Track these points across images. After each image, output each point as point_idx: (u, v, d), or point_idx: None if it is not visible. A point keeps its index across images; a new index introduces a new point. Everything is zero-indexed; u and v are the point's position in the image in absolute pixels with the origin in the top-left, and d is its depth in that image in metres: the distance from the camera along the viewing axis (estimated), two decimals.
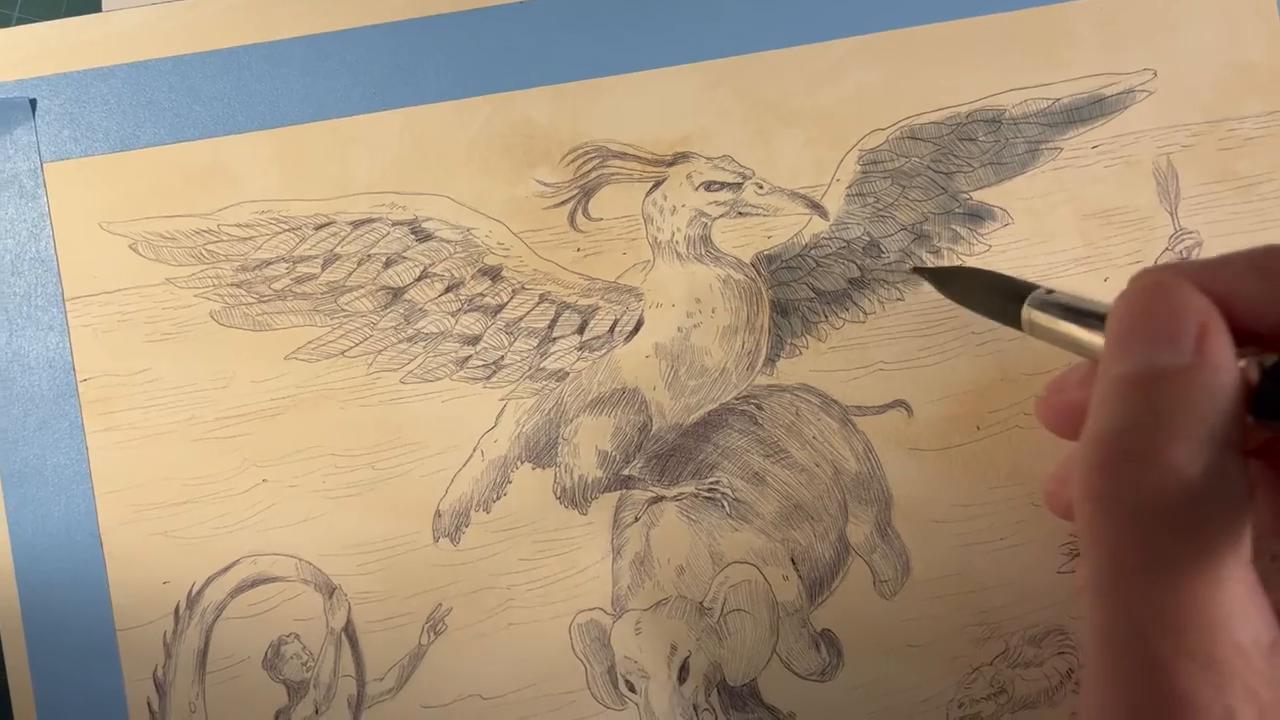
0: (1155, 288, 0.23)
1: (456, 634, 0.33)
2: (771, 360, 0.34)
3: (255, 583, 0.33)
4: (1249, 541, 0.21)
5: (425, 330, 0.34)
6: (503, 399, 0.34)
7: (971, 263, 0.34)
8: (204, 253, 0.34)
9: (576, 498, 0.33)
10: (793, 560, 0.33)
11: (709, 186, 0.34)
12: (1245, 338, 0.23)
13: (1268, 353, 0.22)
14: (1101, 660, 0.21)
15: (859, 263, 0.34)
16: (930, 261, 0.34)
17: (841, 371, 0.34)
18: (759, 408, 0.34)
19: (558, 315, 0.34)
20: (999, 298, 0.30)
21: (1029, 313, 0.28)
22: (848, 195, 0.34)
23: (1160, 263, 0.24)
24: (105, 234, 0.34)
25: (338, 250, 0.34)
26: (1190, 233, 0.34)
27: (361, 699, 0.33)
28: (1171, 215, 0.34)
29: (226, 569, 0.33)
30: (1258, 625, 0.21)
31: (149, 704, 0.33)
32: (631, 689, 0.33)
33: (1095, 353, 0.25)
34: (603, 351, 0.34)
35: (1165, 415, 0.21)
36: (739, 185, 0.34)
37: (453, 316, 0.34)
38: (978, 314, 0.32)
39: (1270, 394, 0.22)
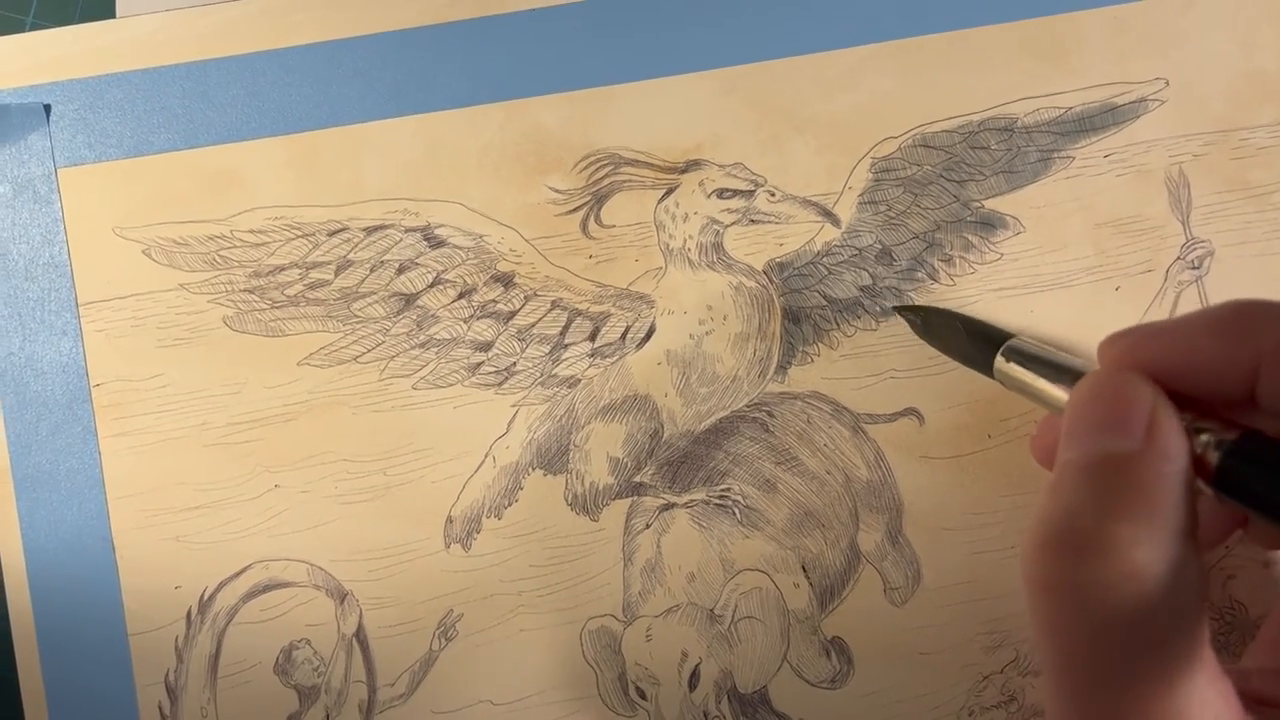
0: (1106, 377, 0.24)
1: (467, 640, 0.33)
2: (783, 368, 0.34)
3: (267, 588, 0.33)
4: (1204, 627, 0.21)
5: (437, 336, 0.34)
6: (514, 405, 0.34)
7: (983, 270, 0.34)
8: (217, 258, 0.34)
9: (588, 504, 0.34)
10: (803, 567, 0.33)
11: (721, 194, 0.34)
12: (1207, 405, 0.23)
13: (1229, 426, 0.23)
14: None
15: (871, 270, 0.34)
16: (941, 270, 0.34)
17: (853, 379, 0.34)
18: (770, 415, 0.34)
19: (570, 322, 0.34)
20: (971, 344, 0.31)
21: (1000, 363, 0.29)
22: (860, 203, 0.34)
23: (1128, 327, 0.25)
24: (119, 239, 0.34)
25: (351, 256, 0.34)
26: (1202, 242, 0.34)
27: (372, 704, 0.33)
28: (1183, 224, 0.34)
29: (238, 574, 0.33)
30: (1218, 709, 0.20)
31: (160, 708, 0.33)
32: (642, 696, 0.33)
33: (1063, 409, 0.25)
34: (614, 358, 0.34)
35: (1113, 499, 0.21)
36: (751, 193, 0.34)
37: (465, 323, 0.34)
38: (951, 359, 0.32)
39: (1232, 472, 0.22)
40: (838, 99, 0.34)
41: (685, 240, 0.34)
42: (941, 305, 0.33)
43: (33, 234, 0.34)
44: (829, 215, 0.34)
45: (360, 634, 0.33)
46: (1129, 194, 0.34)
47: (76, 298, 0.34)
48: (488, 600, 0.33)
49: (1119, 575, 0.20)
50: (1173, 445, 0.22)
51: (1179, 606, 0.21)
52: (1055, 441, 0.26)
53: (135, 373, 0.33)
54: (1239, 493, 0.22)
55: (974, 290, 0.34)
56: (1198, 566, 0.21)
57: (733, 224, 0.34)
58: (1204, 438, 0.22)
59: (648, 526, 0.33)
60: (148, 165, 0.34)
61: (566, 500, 0.34)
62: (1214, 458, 0.22)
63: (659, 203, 0.34)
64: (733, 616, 0.33)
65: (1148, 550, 0.20)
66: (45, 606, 0.33)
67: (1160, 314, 0.34)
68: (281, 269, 0.34)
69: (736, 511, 0.33)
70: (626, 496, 0.34)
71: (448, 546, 0.33)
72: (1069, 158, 0.34)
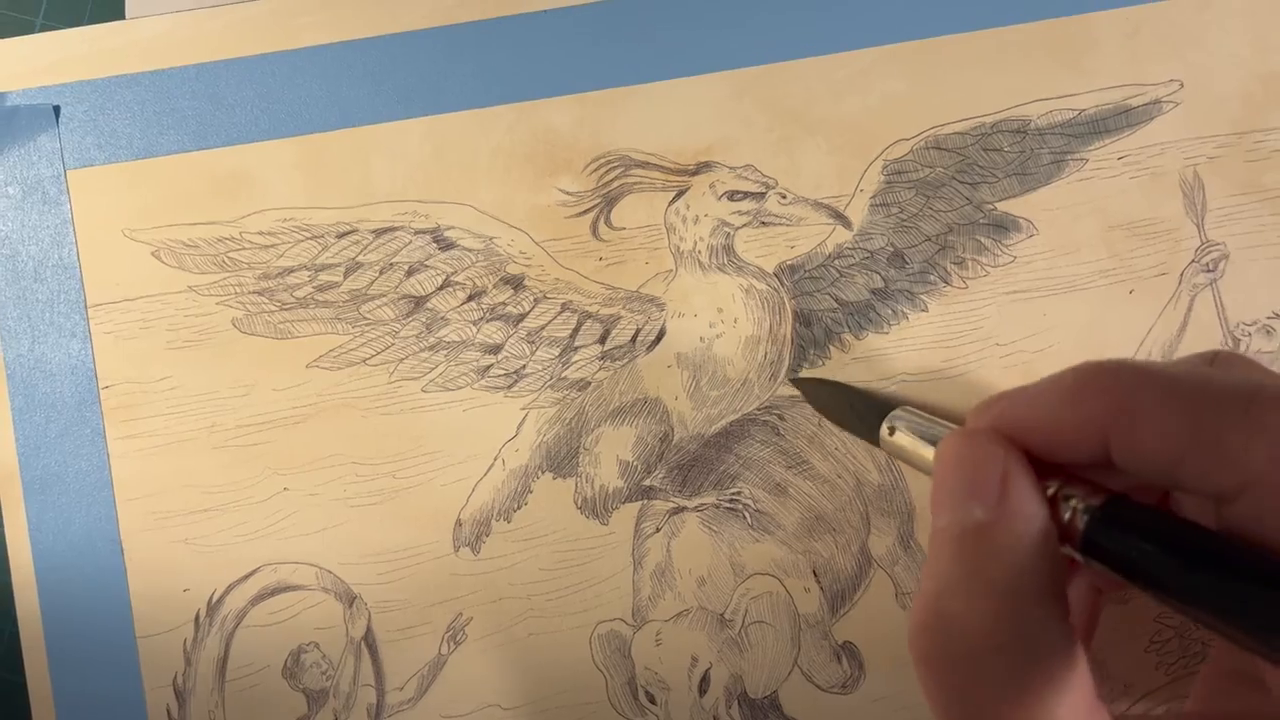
0: (961, 440, 0.24)
1: (476, 644, 0.33)
2: (794, 371, 0.34)
3: (275, 591, 0.33)
4: (1083, 683, 0.21)
5: (447, 339, 0.34)
6: (524, 408, 0.33)
7: (995, 273, 0.34)
8: (226, 260, 0.34)
9: (597, 508, 0.33)
10: (814, 572, 0.33)
11: (732, 196, 0.34)
12: (1075, 469, 0.23)
13: (1096, 491, 0.22)
14: None
15: (882, 273, 0.34)
16: (953, 273, 0.34)
17: (864, 382, 0.33)
18: (781, 418, 0.33)
19: (579, 324, 0.34)
20: (856, 416, 0.31)
21: (884, 434, 0.29)
22: (872, 205, 0.34)
23: (997, 393, 0.26)
24: (128, 241, 0.34)
25: (360, 258, 0.34)
26: (1216, 245, 0.34)
27: (381, 708, 0.33)
28: (1198, 227, 0.34)
29: (247, 577, 0.33)
30: None
31: (169, 711, 0.33)
32: (652, 700, 0.33)
33: None
34: (624, 361, 0.34)
35: (976, 575, 0.22)
36: (762, 195, 0.34)
37: (474, 325, 0.34)
38: (842, 429, 0.33)
39: (1097, 539, 0.22)
40: (849, 101, 0.34)
41: (696, 243, 0.34)
42: (830, 377, 0.33)
43: (42, 235, 0.34)
44: (840, 218, 0.34)
45: (369, 637, 0.33)
46: (1143, 196, 0.34)
47: (85, 299, 0.34)
48: (497, 604, 0.33)
49: (986, 649, 0.21)
50: (1026, 507, 0.22)
51: (1046, 669, 0.21)
52: None
53: (144, 375, 0.33)
54: (1106, 559, 0.22)
55: (986, 293, 0.34)
56: (1061, 628, 0.22)
57: (743, 226, 0.34)
58: (1072, 503, 0.22)
59: (658, 530, 0.33)
60: (157, 167, 0.34)
61: (576, 504, 0.33)
62: (1081, 523, 0.22)
63: (669, 205, 0.34)
64: (743, 621, 0.33)
65: (1010, 620, 0.21)
66: (53, 609, 0.33)
67: (1175, 317, 0.34)
68: (291, 271, 0.34)
69: (747, 515, 0.33)
70: (636, 500, 0.33)
71: (456, 550, 0.33)
72: (1082, 160, 0.34)
